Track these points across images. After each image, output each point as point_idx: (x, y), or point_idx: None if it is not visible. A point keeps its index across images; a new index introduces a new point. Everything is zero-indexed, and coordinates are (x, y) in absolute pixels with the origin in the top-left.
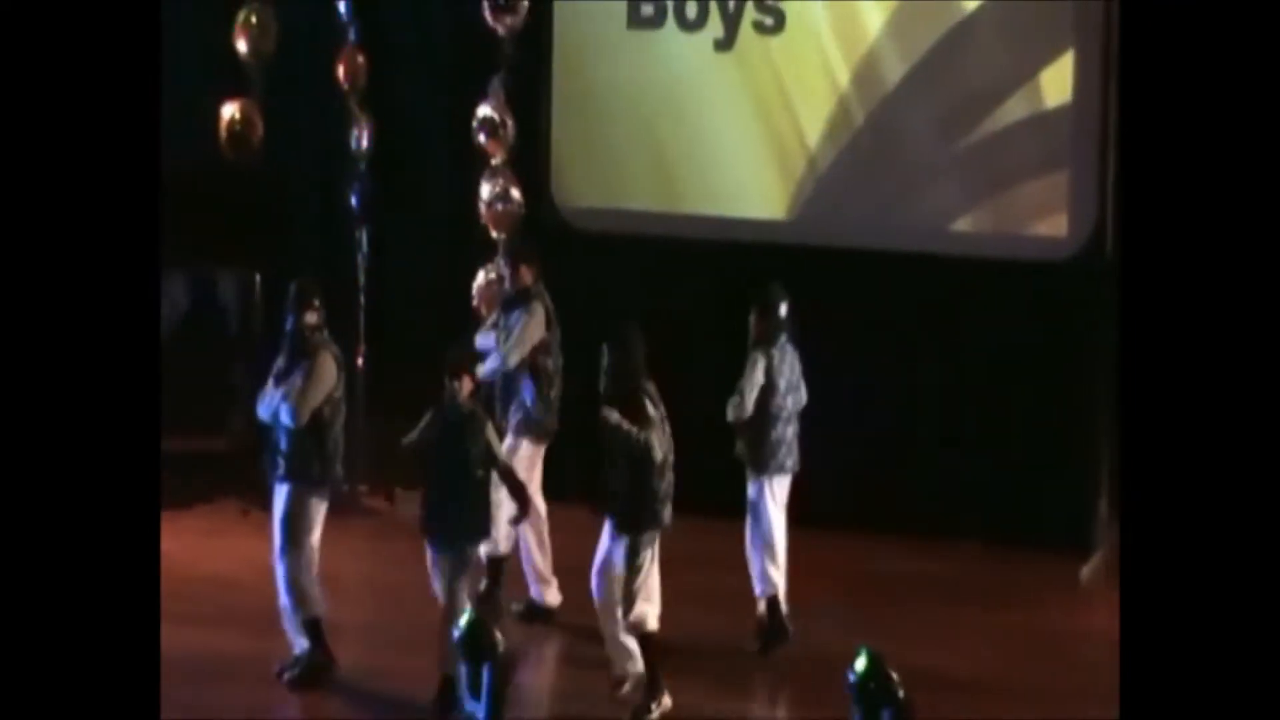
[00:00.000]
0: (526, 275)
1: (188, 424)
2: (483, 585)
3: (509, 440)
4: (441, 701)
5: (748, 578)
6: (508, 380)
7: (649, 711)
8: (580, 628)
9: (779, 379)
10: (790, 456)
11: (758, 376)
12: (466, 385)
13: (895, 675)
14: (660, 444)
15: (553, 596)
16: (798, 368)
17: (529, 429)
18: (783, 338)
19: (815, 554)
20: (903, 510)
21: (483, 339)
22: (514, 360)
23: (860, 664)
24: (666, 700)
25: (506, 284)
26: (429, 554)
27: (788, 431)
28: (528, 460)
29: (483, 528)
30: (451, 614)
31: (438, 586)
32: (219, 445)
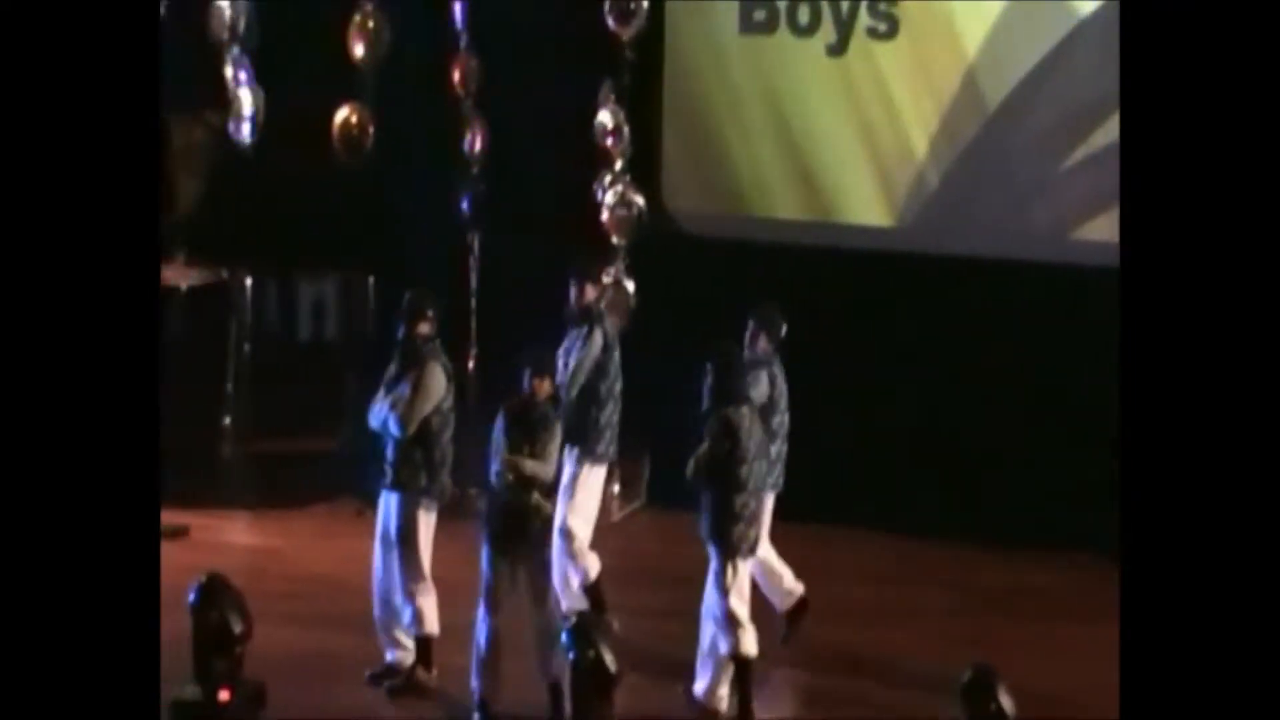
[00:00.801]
0: (589, 293)
1: (304, 424)
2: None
3: (570, 466)
4: (553, 710)
5: (845, 589)
6: (567, 410)
7: None
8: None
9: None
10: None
11: (762, 389)
12: (544, 386)
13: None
14: (749, 467)
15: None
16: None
17: (586, 454)
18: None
19: (919, 565)
20: (1010, 520)
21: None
22: (573, 391)
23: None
24: None
25: (571, 302)
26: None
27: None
28: (590, 485)
29: (547, 530)
30: (543, 619)
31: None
32: (334, 446)
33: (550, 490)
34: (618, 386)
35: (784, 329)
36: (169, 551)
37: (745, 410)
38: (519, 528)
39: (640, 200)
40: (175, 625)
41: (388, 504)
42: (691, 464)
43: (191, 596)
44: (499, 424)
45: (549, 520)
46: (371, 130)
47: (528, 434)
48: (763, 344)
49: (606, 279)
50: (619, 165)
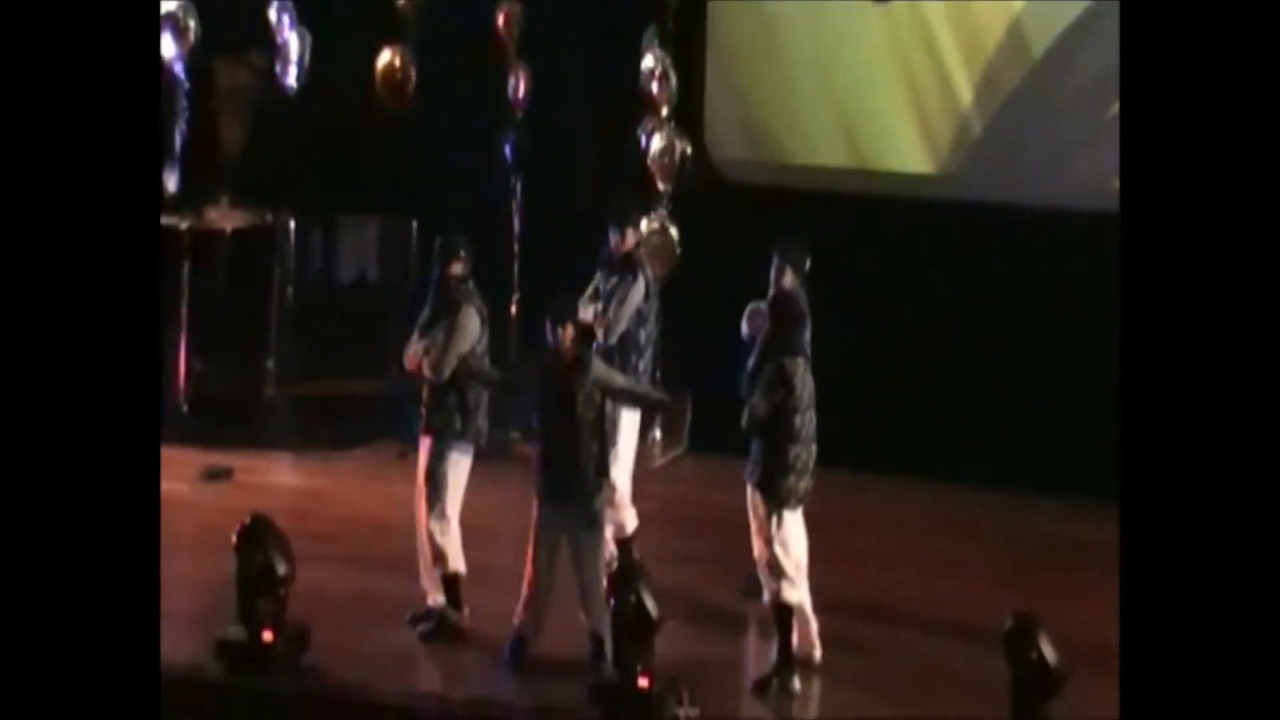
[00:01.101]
0: (630, 238)
1: (348, 367)
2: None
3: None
4: (594, 660)
5: (880, 538)
6: (607, 354)
7: (770, 685)
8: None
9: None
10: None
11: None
12: (568, 333)
13: (1045, 640)
14: (802, 417)
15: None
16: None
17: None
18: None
19: (960, 515)
20: (1054, 470)
21: (583, 310)
22: (614, 338)
23: (1009, 627)
24: (795, 682)
25: (610, 248)
26: (537, 518)
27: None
28: (627, 433)
29: (596, 480)
30: (586, 573)
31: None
32: (377, 389)
33: (598, 432)
34: (657, 335)
35: (808, 263)
36: (213, 493)
37: (801, 361)
38: (566, 479)
39: (685, 146)
40: (220, 567)
41: (423, 447)
42: (746, 414)
43: (236, 538)
44: (539, 385)
45: (600, 470)
46: (414, 74)
47: (565, 388)
48: (788, 279)
49: (649, 225)
50: (664, 111)
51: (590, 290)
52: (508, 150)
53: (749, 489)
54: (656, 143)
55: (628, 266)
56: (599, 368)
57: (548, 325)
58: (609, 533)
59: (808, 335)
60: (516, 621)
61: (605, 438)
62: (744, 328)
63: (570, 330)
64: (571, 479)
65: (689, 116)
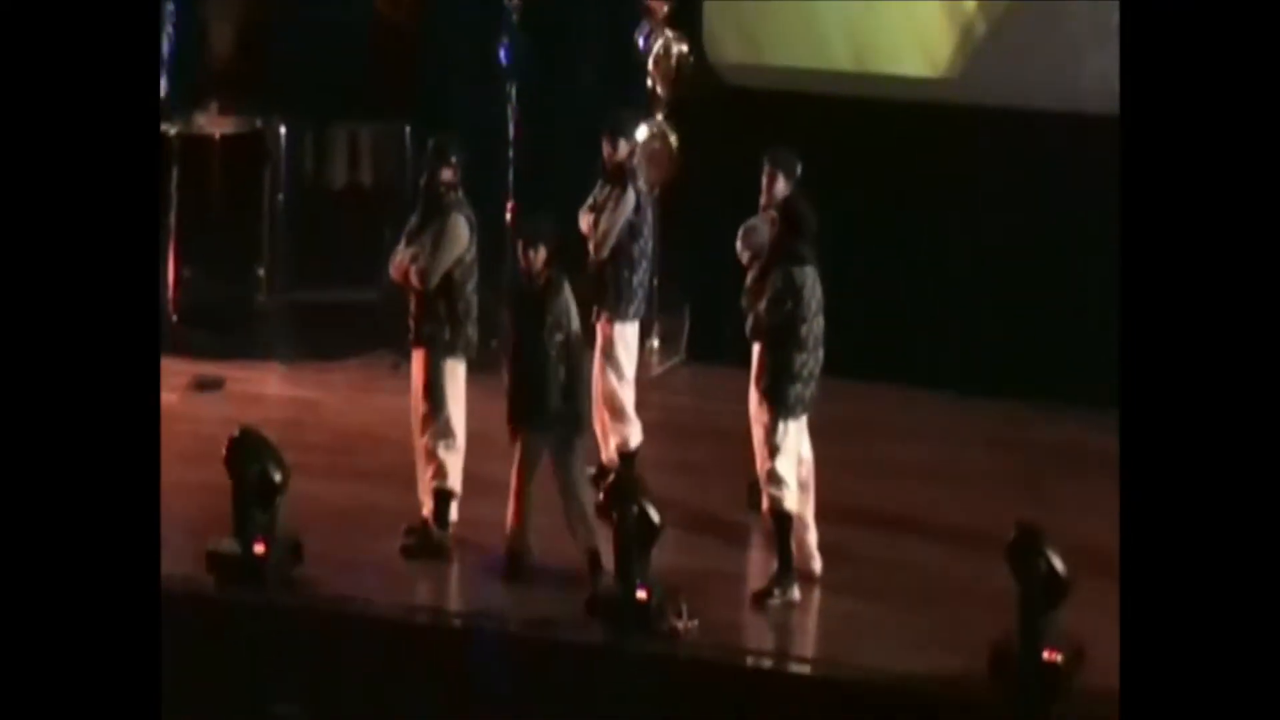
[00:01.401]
0: (622, 150)
1: (340, 275)
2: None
3: (603, 328)
4: (592, 575)
5: (881, 446)
6: (599, 267)
7: (770, 596)
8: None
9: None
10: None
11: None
12: (541, 254)
13: (1052, 551)
14: (809, 325)
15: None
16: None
17: (619, 316)
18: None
19: (967, 423)
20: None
21: (582, 219)
22: (605, 251)
23: (1012, 538)
24: (795, 592)
25: (604, 158)
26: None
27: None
28: (626, 346)
29: (566, 406)
30: (570, 498)
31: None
32: (371, 297)
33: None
34: (650, 246)
35: (799, 170)
36: (205, 404)
37: (809, 269)
38: (536, 405)
39: (684, 49)
40: (212, 478)
41: (415, 359)
42: (750, 320)
43: (226, 450)
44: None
45: (568, 396)
46: None
47: (535, 311)
48: (780, 186)
49: (646, 133)
50: (662, 13)
51: (590, 200)
52: (503, 53)
53: (752, 397)
54: (654, 47)
55: (618, 178)
56: (567, 300)
57: (519, 246)
58: (613, 445)
59: (815, 245)
60: (508, 537)
61: (575, 363)
62: (739, 246)
63: (543, 253)
64: (541, 405)
65: (687, 21)
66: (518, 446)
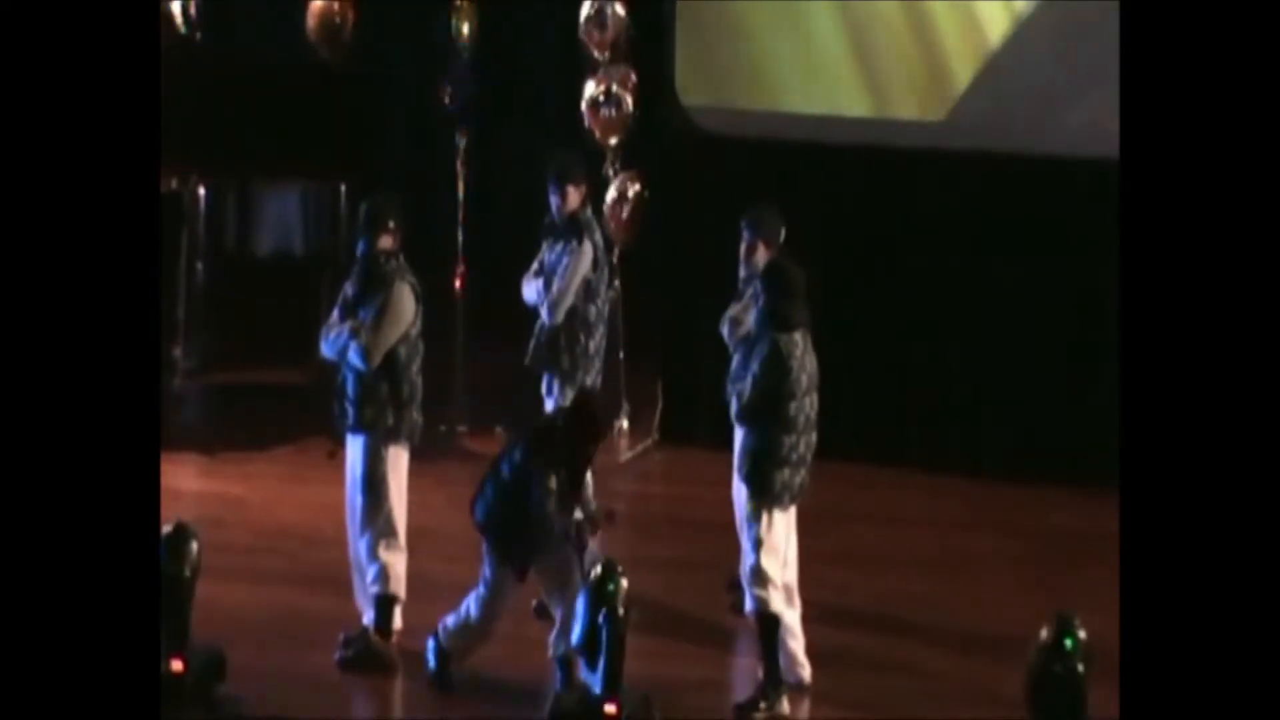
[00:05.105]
0: (574, 198)
1: (268, 354)
2: None
3: (554, 400)
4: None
5: (883, 534)
6: (553, 334)
7: (756, 708)
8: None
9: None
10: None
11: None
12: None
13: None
14: (799, 403)
15: None
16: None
17: (573, 386)
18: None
19: (975, 508)
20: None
21: (527, 289)
22: (560, 314)
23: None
24: (784, 704)
25: (553, 212)
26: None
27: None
28: None
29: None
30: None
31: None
32: (301, 378)
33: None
34: (606, 308)
35: (783, 233)
36: None
37: (798, 337)
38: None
39: (626, 95)
40: None
41: (353, 447)
42: (735, 401)
43: None
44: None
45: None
46: (350, 19)
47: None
48: (760, 256)
49: (617, 188)
50: (604, 56)
51: (535, 265)
52: (450, 100)
53: (735, 483)
54: (592, 91)
55: (572, 230)
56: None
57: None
58: None
59: (804, 306)
60: (441, 634)
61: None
62: (724, 335)
63: None
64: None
65: (658, 63)
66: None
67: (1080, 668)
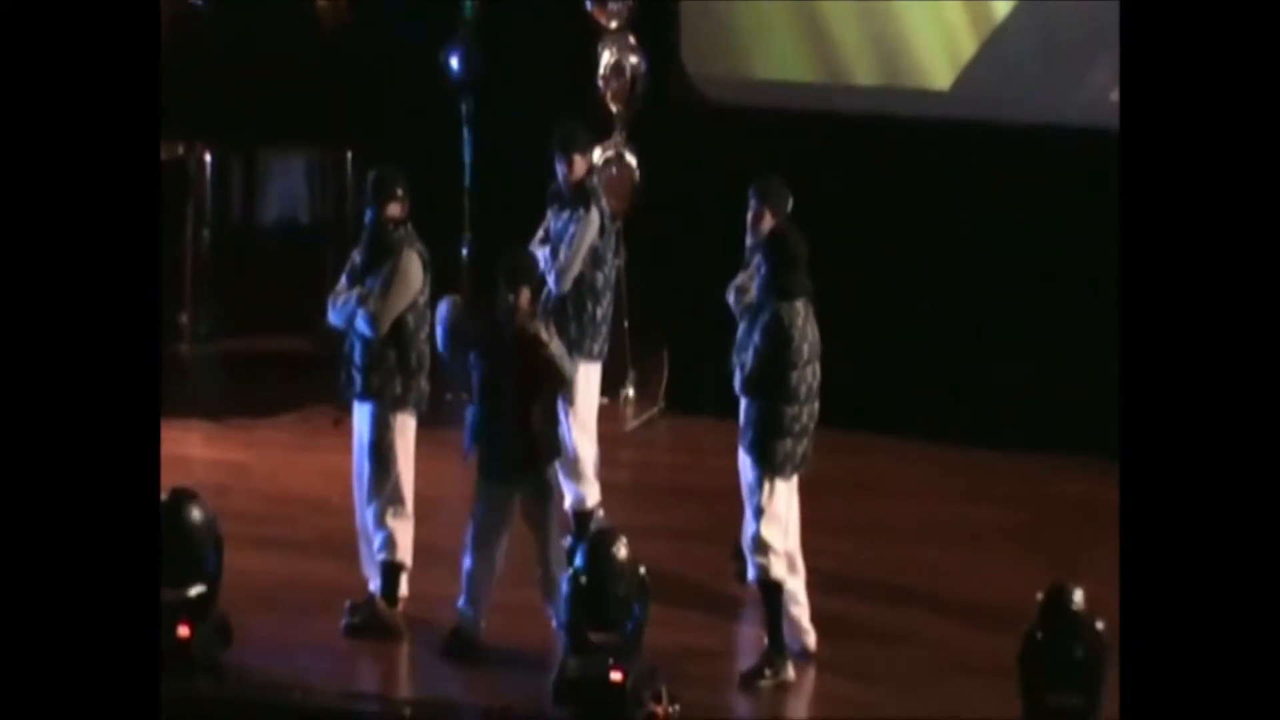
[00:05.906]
0: (580, 167)
1: (274, 322)
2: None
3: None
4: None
5: (885, 504)
6: (560, 302)
7: (761, 676)
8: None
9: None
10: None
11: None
12: (524, 296)
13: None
14: (800, 373)
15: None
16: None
17: (582, 354)
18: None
19: (976, 478)
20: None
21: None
22: (567, 282)
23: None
24: (789, 671)
25: (559, 180)
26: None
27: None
28: (588, 390)
29: (548, 454)
30: (545, 561)
31: (472, 539)
32: (308, 346)
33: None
34: (614, 275)
35: (790, 202)
36: None
37: (800, 306)
38: (512, 453)
39: (636, 61)
40: None
41: (360, 415)
42: (738, 371)
43: None
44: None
45: (550, 444)
46: None
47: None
48: (767, 222)
49: (603, 154)
50: (612, 25)
51: (540, 233)
52: (455, 64)
53: (740, 452)
54: (604, 60)
55: (579, 199)
56: (556, 349)
57: (501, 286)
58: (567, 505)
59: (805, 275)
60: (458, 611)
61: (556, 410)
62: (730, 302)
63: (526, 293)
64: (519, 452)
65: (663, 32)
66: (477, 501)
67: (1071, 639)
